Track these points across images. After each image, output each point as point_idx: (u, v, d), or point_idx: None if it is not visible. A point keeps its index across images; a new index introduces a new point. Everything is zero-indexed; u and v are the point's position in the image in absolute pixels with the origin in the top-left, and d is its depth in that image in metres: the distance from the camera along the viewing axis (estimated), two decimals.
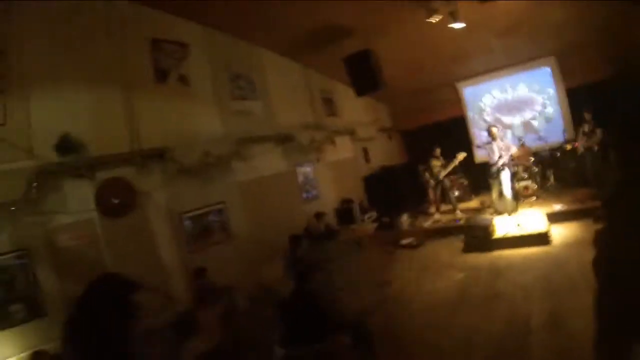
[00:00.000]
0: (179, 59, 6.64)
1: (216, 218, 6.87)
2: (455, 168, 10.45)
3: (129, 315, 2.38)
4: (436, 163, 10.51)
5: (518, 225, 8.10)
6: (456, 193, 10.95)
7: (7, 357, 4.68)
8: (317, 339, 4.71)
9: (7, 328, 4.74)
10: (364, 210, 10.38)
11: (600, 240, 2.81)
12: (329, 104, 10.69)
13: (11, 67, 5.04)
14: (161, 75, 6.42)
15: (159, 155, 6.14)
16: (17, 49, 5.07)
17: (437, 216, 10.51)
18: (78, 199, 5.40)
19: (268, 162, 8.09)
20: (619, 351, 2.55)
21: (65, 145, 5.24)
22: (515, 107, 11.77)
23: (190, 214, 6.49)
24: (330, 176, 10.09)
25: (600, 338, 2.76)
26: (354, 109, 11.74)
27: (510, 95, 11.79)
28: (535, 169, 10.25)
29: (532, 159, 10.25)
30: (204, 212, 6.67)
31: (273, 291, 6.16)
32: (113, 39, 5.84)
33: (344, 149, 10.89)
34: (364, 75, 7.91)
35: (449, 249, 8.68)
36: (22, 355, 4.73)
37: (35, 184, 5.01)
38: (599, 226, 6.37)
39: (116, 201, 5.54)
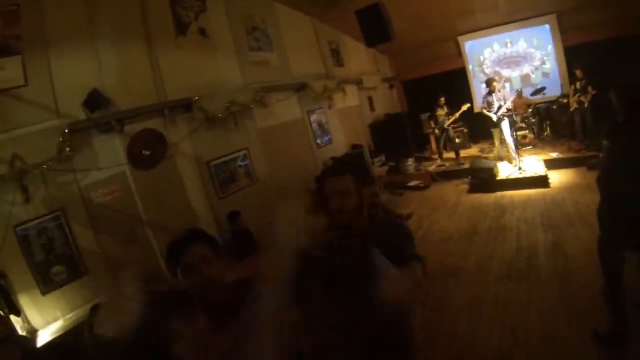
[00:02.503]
0: (198, 12, 5.91)
1: (241, 163, 6.29)
2: (456, 117, 9.81)
3: None
4: (441, 112, 9.84)
5: (519, 168, 7.66)
6: (457, 140, 10.23)
7: (56, 319, 4.15)
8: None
9: (51, 291, 4.18)
10: (372, 155, 9.70)
11: (600, 167, 3.02)
12: (336, 55, 9.82)
13: (27, 26, 4.21)
14: (181, 28, 5.69)
15: (186, 105, 5.44)
16: (33, 7, 4.24)
17: (439, 161, 9.99)
18: (109, 154, 4.72)
19: (284, 109, 7.41)
20: (615, 256, 2.92)
21: (94, 100, 4.47)
22: (514, 61, 10.75)
23: (217, 161, 5.88)
24: (340, 123, 9.35)
25: (600, 247, 3.03)
26: (358, 59, 10.86)
27: (509, 49, 10.72)
28: (533, 120, 9.51)
29: (530, 110, 9.47)
30: (229, 158, 6.07)
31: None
32: None
33: (351, 98, 10.06)
34: (374, 27, 7.24)
35: (455, 190, 8.44)
36: (69, 315, 4.20)
37: (66, 142, 4.28)
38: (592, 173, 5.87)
39: (147, 153, 4.87)
